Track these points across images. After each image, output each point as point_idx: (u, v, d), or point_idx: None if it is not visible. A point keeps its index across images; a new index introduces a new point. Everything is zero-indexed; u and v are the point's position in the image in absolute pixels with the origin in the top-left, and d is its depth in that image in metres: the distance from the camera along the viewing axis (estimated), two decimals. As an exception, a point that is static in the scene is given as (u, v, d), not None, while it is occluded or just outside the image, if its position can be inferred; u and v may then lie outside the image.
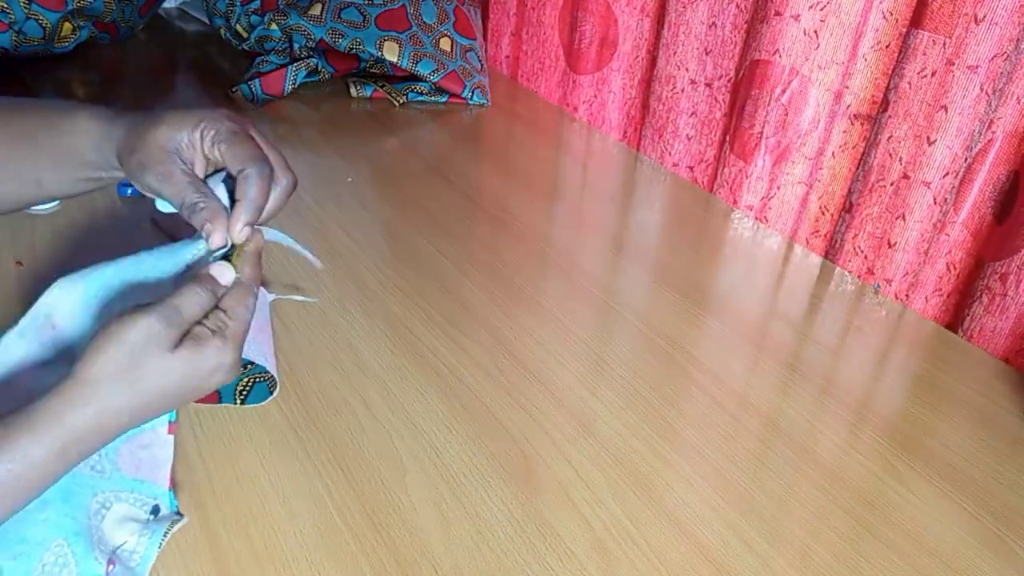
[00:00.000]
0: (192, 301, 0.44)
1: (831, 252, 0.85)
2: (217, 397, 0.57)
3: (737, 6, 0.88)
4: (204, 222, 0.47)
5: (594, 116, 1.13)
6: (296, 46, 1.10)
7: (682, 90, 0.97)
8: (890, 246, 0.78)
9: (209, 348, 0.43)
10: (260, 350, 0.57)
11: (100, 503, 0.45)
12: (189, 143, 0.48)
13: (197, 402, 0.56)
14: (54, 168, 0.52)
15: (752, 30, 0.86)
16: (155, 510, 0.46)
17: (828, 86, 0.81)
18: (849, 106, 0.81)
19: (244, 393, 0.57)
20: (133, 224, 0.77)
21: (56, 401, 0.39)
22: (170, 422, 0.49)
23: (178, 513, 0.47)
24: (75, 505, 0.44)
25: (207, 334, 0.44)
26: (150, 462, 0.48)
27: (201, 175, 0.49)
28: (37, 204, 0.54)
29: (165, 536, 0.45)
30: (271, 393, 0.57)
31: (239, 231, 0.47)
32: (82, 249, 0.71)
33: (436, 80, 1.10)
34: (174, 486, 0.48)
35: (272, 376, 0.57)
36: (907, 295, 0.80)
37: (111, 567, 0.42)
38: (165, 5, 1.39)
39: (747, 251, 0.85)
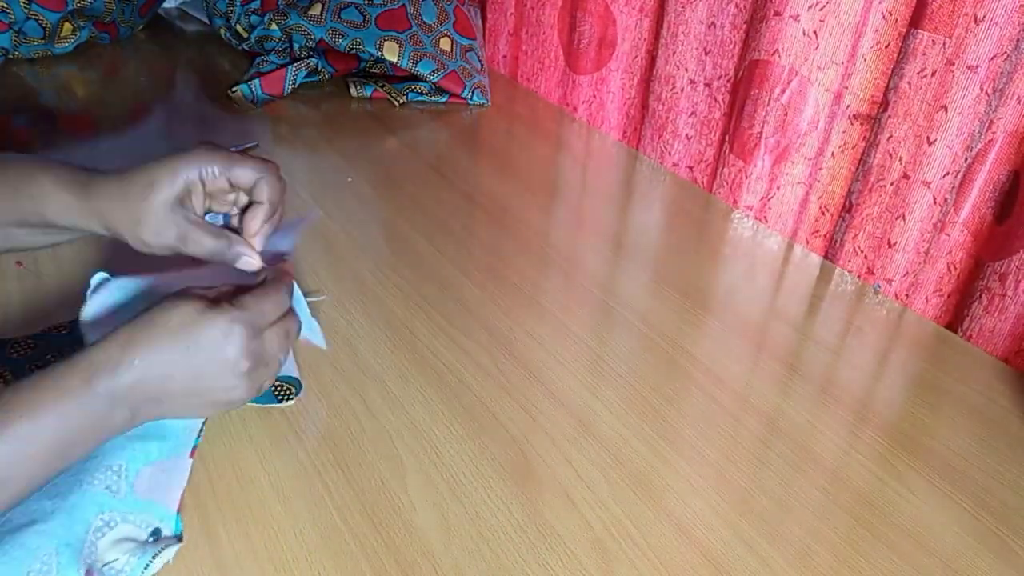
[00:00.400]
0: (224, 291, 0.49)
1: (831, 252, 0.85)
2: None
3: (736, 6, 0.88)
4: (237, 256, 0.52)
5: (593, 116, 1.13)
6: (296, 46, 1.10)
7: (681, 90, 0.97)
8: (890, 246, 0.79)
9: (215, 311, 0.46)
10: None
11: (104, 521, 0.45)
12: (189, 192, 0.52)
13: None
14: (24, 228, 0.54)
15: (751, 30, 0.86)
16: (155, 532, 0.46)
17: (828, 86, 0.81)
18: (849, 106, 0.81)
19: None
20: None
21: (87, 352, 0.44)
22: (194, 446, 0.50)
23: (179, 538, 0.46)
24: (77, 519, 0.44)
25: (227, 304, 0.47)
26: (165, 484, 0.48)
27: (201, 212, 0.54)
28: (7, 252, 0.57)
29: (153, 559, 0.44)
30: (276, 400, 0.57)
31: (257, 228, 0.53)
32: (81, 249, 0.71)
33: (436, 80, 1.10)
34: (180, 508, 0.48)
35: (282, 384, 0.57)
36: (907, 295, 0.80)
37: None
38: (165, 5, 1.39)
39: (747, 251, 0.85)
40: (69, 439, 0.43)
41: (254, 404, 0.56)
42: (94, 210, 0.51)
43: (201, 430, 0.51)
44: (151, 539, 0.45)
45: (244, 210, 0.54)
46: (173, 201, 0.50)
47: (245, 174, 0.52)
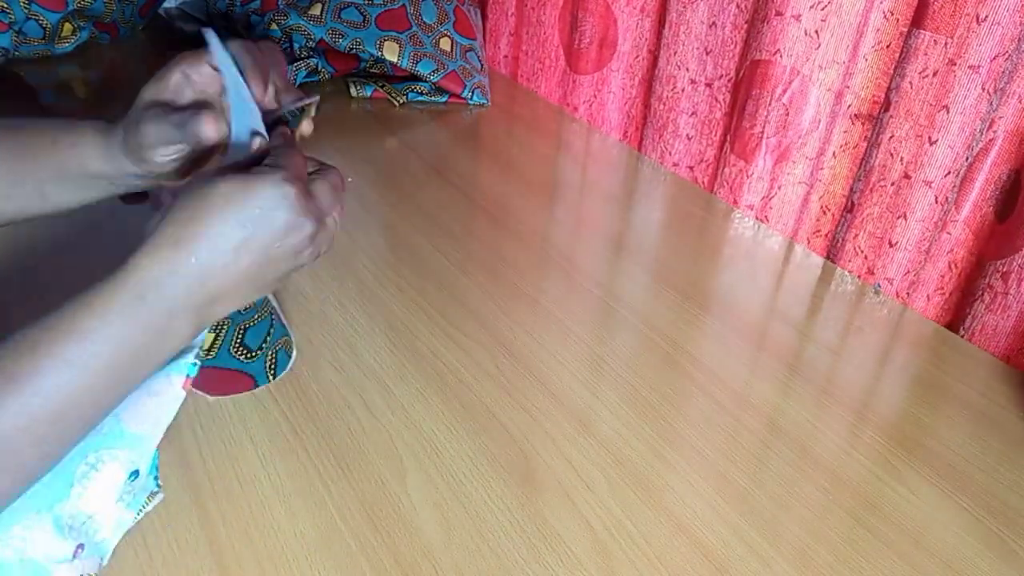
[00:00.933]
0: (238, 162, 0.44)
1: (832, 252, 0.85)
2: (252, 382, 0.57)
3: (737, 6, 0.88)
4: (196, 123, 0.46)
5: (594, 116, 1.13)
6: (296, 46, 1.10)
7: (682, 90, 0.97)
8: (891, 245, 0.78)
9: (258, 177, 0.41)
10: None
11: (91, 464, 0.43)
12: (176, 86, 0.48)
13: (225, 392, 0.57)
14: (57, 180, 0.52)
15: (753, 30, 0.86)
16: (135, 474, 0.44)
17: (829, 86, 0.81)
18: (850, 106, 0.81)
19: (272, 369, 0.58)
20: (133, 224, 0.76)
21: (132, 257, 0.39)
22: (188, 376, 0.47)
23: (156, 484, 0.45)
24: (60, 476, 0.42)
25: (262, 167, 0.42)
26: (154, 414, 0.45)
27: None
28: (43, 215, 0.54)
29: (139, 514, 0.43)
30: (289, 357, 0.58)
31: (267, 95, 0.47)
32: (82, 249, 0.71)
33: (436, 80, 1.10)
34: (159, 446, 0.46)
35: (286, 337, 0.58)
36: (908, 294, 0.80)
37: (79, 551, 0.41)
38: (165, 5, 1.39)
39: (747, 251, 0.85)
40: (124, 363, 0.39)
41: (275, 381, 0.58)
42: (119, 147, 0.50)
43: (198, 357, 0.47)
44: (131, 479, 0.44)
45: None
46: (157, 97, 0.48)
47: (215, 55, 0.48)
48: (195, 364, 0.47)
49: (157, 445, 0.46)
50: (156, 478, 0.46)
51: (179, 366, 0.46)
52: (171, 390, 0.46)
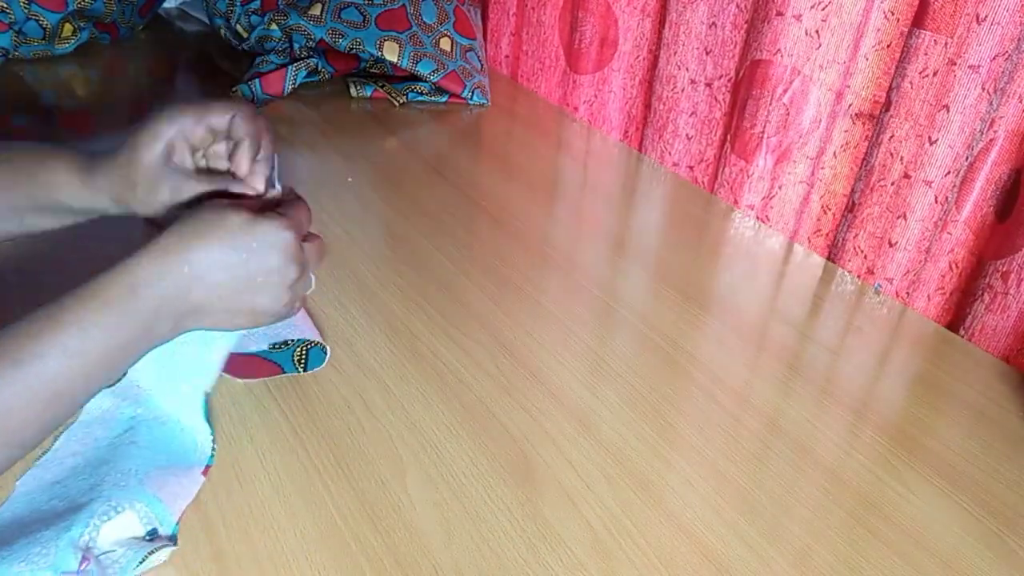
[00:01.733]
0: (251, 203, 0.48)
1: (833, 252, 0.85)
2: (279, 369, 0.59)
3: (737, 6, 0.88)
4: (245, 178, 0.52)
5: (594, 116, 1.13)
6: (296, 46, 1.10)
7: (682, 90, 0.97)
8: (891, 245, 0.78)
9: (266, 218, 0.46)
10: (301, 328, 0.61)
11: (112, 506, 0.45)
12: (174, 148, 0.52)
13: (259, 376, 0.58)
14: (36, 212, 0.55)
15: (753, 30, 0.86)
16: (152, 532, 0.46)
17: (829, 86, 0.81)
18: (851, 106, 0.81)
19: (303, 361, 0.59)
20: (132, 224, 0.76)
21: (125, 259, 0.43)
22: (208, 465, 0.51)
23: (174, 540, 0.46)
24: (84, 512, 0.44)
25: (272, 212, 0.47)
26: (174, 489, 0.48)
27: (192, 167, 0.54)
28: (20, 236, 0.57)
29: (149, 554, 0.44)
30: (325, 354, 0.60)
31: (246, 166, 0.52)
32: (82, 249, 0.71)
33: (436, 80, 1.10)
34: (180, 521, 0.47)
35: (319, 342, 0.61)
36: (908, 294, 0.80)
37: (84, 564, 0.42)
38: (165, 5, 1.39)
39: (748, 251, 0.85)
40: (115, 352, 0.43)
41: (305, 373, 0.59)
42: (100, 188, 0.53)
43: (213, 451, 0.52)
44: (147, 537, 0.45)
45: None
46: (159, 160, 0.51)
47: (216, 116, 0.52)
48: (212, 456, 0.51)
49: (177, 520, 0.47)
50: (174, 536, 0.47)
51: (199, 458, 0.51)
52: (191, 475, 0.50)
